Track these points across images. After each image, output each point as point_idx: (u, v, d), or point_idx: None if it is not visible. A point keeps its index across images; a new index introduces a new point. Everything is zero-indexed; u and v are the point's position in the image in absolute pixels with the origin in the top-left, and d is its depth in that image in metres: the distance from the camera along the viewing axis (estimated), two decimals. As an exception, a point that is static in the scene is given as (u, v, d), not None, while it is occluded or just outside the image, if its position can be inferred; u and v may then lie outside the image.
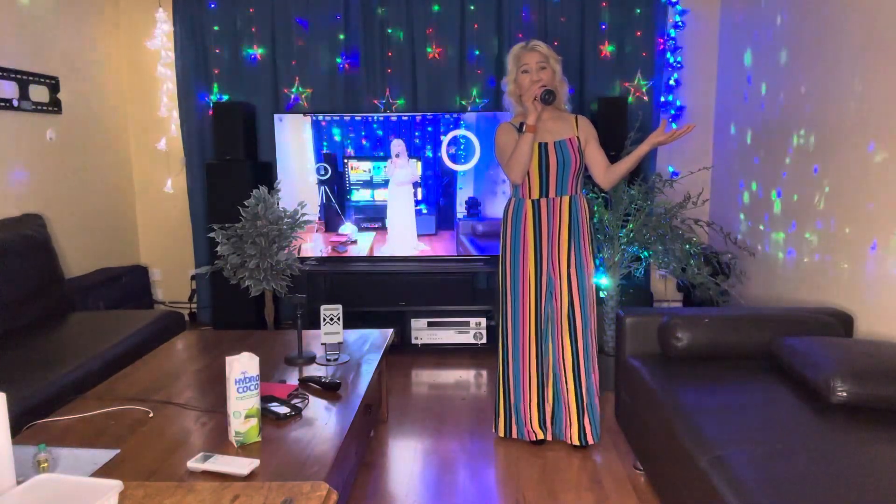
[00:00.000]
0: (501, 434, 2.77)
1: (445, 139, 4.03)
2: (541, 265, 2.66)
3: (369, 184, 4.09)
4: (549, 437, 2.75)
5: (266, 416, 1.93)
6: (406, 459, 2.67)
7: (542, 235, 2.64)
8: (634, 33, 4.28)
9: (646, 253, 3.37)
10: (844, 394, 1.90)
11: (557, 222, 2.64)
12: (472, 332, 3.99)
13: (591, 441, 2.71)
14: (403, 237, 4.11)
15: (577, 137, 2.64)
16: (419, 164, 4.05)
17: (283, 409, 1.97)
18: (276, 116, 4.08)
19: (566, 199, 2.63)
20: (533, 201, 2.64)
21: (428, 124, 4.04)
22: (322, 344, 2.56)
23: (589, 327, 2.67)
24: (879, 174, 2.52)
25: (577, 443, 2.70)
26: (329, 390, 2.20)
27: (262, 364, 2.06)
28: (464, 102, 4.37)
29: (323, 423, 1.96)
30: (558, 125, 2.66)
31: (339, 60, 4.34)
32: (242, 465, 1.62)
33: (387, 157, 4.05)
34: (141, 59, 4.50)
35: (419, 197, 4.08)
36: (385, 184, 4.08)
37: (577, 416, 2.68)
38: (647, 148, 2.54)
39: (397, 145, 4.04)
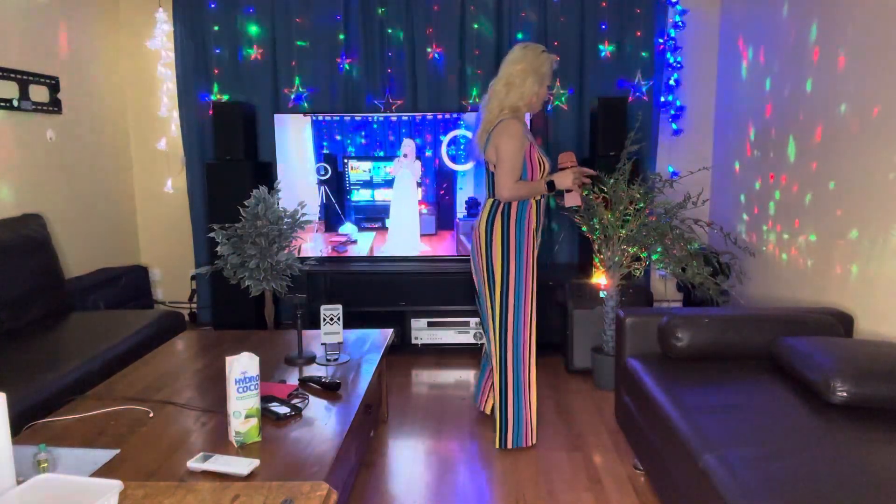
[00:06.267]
0: (509, 445, 2.70)
1: (445, 139, 4.03)
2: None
3: (369, 184, 4.09)
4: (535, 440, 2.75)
5: (266, 416, 1.93)
6: (406, 459, 2.67)
7: (538, 234, 2.71)
8: (634, 33, 4.28)
9: (645, 254, 3.36)
10: (844, 394, 1.90)
11: (543, 221, 2.75)
12: (472, 332, 3.99)
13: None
14: (407, 237, 4.11)
15: None
16: (419, 164, 4.06)
17: (283, 409, 1.97)
18: (276, 116, 4.08)
19: (543, 200, 2.73)
20: (536, 201, 2.68)
21: (427, 124, 4.04)
22: (322, 344, 2.55)
23: None
24: (879, 173, 2.52)
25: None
26: (329, 390, 2.20)
27: (262, 364, 2.06)
28: (464, 102, 4.37)
29: (323, 423, 1.96)
30: None
31: (338, 60, 4.34)
32: (242, 465, 1.62)
33: (387, 156, 4.05)
34: (141, 59, 4.51)
35: (420, 196, 4.08)
36: (385, 184, 4.08)
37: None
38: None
39: (407, 145, 4.04)
